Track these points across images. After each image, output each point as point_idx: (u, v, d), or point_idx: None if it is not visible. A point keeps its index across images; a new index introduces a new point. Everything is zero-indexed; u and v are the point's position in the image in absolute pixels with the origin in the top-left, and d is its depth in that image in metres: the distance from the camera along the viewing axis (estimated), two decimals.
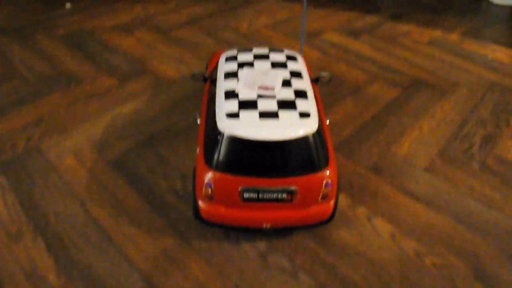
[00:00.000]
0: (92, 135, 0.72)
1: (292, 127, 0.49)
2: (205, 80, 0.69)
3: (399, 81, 0.91)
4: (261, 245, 0.55)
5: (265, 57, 0.62)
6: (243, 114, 0.50)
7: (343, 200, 0.62)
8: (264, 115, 0.50)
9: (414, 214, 0.60)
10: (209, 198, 0.51)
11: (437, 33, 1.16)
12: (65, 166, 0.66)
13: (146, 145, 0.71)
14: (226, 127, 0.49)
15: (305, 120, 0.50)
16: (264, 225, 0.52)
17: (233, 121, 0.50)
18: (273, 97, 0.53)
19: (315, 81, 0.66)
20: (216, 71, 0.63)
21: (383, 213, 0.60)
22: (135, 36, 1.08)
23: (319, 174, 0.50)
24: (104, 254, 0.54)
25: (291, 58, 0.63)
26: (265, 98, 0.53)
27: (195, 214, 0.53)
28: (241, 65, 0.60)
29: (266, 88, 0.55)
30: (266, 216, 0.52)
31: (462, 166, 0.68)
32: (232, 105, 0.52)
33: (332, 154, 0.54)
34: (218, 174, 0.50)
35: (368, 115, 0.80)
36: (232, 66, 0.60)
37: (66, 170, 0.66)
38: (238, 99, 0.53)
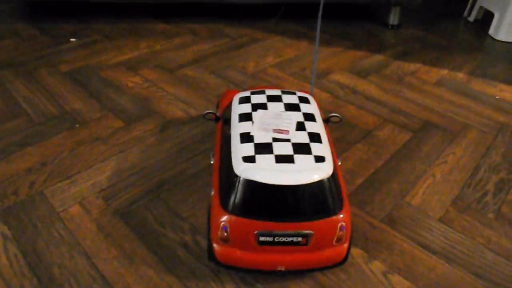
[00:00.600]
0: (98, 182, 0.70)
1: (307, 172, 0.49)
2: (217, 119, 0.69)
3: (409, 125, 0.90)
4: None
5: (278, 99, 0.63)
6: (259, 158, 0.51)
7: (358, 253, 0.60)
8: (280, 159, 0.51)
9: (431, 268, 0.58)
10: (224, 241, 0.51)
11: (444, 72, 1.16)
12: (70, 214, 0.64)
13: (155, 194, 0.69)
14: (243, 171, 0.49)
15: (320, 165, 0.51)
16: (279, 268, 0.52)
17: (249, 165, 0.50)
18: (288, 140, 0.54)
19: (325, 121, 0.67)
20: (229, 111, 0.63)
21: (399, 268, 0.58)
22: (140, 75, 1.07)
23: (334, 218, 0.51)
24: None
25: (303, 100, 0.64)
26: (280, 142, 0.54)
27: (210, 256, 0.53)
28: (254, 107, 0.61)
29: (280, 131, 0.55)
30: (281, 259, 0.52)
31: (477, 215, 0.67)
32: (248, 149, 0.52)
33: (345, 196, 0.54)
34: (234, 218, 0.50)
35: (380, 162, 0.78)
36: (246, 108, 0.61)
37: (71, 219, 0.63)
38: (254, 142, 0.53)
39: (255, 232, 0.50)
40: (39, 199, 0.66)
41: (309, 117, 0.59)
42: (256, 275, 0.56)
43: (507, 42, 1.42)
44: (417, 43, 1.38)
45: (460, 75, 1.14)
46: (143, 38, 1.29)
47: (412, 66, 1.19)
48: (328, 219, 0.50)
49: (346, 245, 0.53)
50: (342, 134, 0.86)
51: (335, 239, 0.52)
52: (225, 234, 0.50)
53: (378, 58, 1.24)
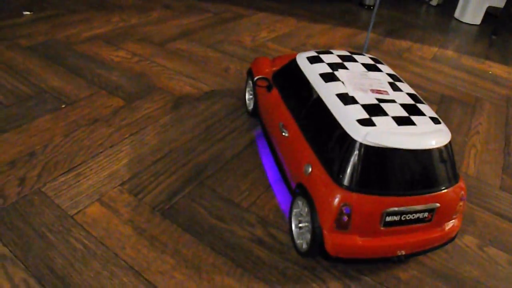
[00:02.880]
0: (115, 172, 0.54)
1: (436, 134, 0.42)
2: (269, 87, 0.58)
3: (429, 98, 0.86)
4: None
5: (351, 59, 0.54)
6: (378, 120, 0.41)
7: None
8: (399, 121, 0.42)
9: None
10: (343, 227, 0.40)
11: (435, 50, 1.14)
12: (90, 217, 0.48)
13: (196, 182, 0.54)
14: (367, 136, 0.40)
15: (439, 126, 0.43)
16: (398, 253, 0.43)
17: (371, 128, 0.40)
18: (393, 101, 0.45)
19: None
20: (292, 74, 0.54)
21: (490, 240, 0.52)
22: (124, 49, 0.90)
23: (458, 186, 0.43)
24: None
25: (376, 61, 0.55)
26: (387, 103, 0.45)
27: (313, 250, 0.42)
28: (333, 67, 0.51)
29: (379, 91, 0.46)
30: (402, 242, 0.42)
31: None
32: (358, 111, 0.42)
33: None
34: (358, 196, 0.39)
35: None
36: (323, 68, 0.50)
37: (94, 222, 0.47)
38: (359, 103, 0.44)
39: (383, 211, 0.39)
40: (39, 200, 0.49)
41: (394, 77, 0.51)
42: (359, 266, 0.45)
43: (472, 24, 1.45)
44: (397, 22, 1.36)
45: (450, 53, 1.13)
46: (113, 12, 1.11)
47: (404, 43, 1.16)
48: (452, 188, 0.42)
49: (461, 217, 0.46)
50: None
51: (456, 210, 0.44)
52: (346, 217, 0.39)
53: (369, 35, 1.19)
